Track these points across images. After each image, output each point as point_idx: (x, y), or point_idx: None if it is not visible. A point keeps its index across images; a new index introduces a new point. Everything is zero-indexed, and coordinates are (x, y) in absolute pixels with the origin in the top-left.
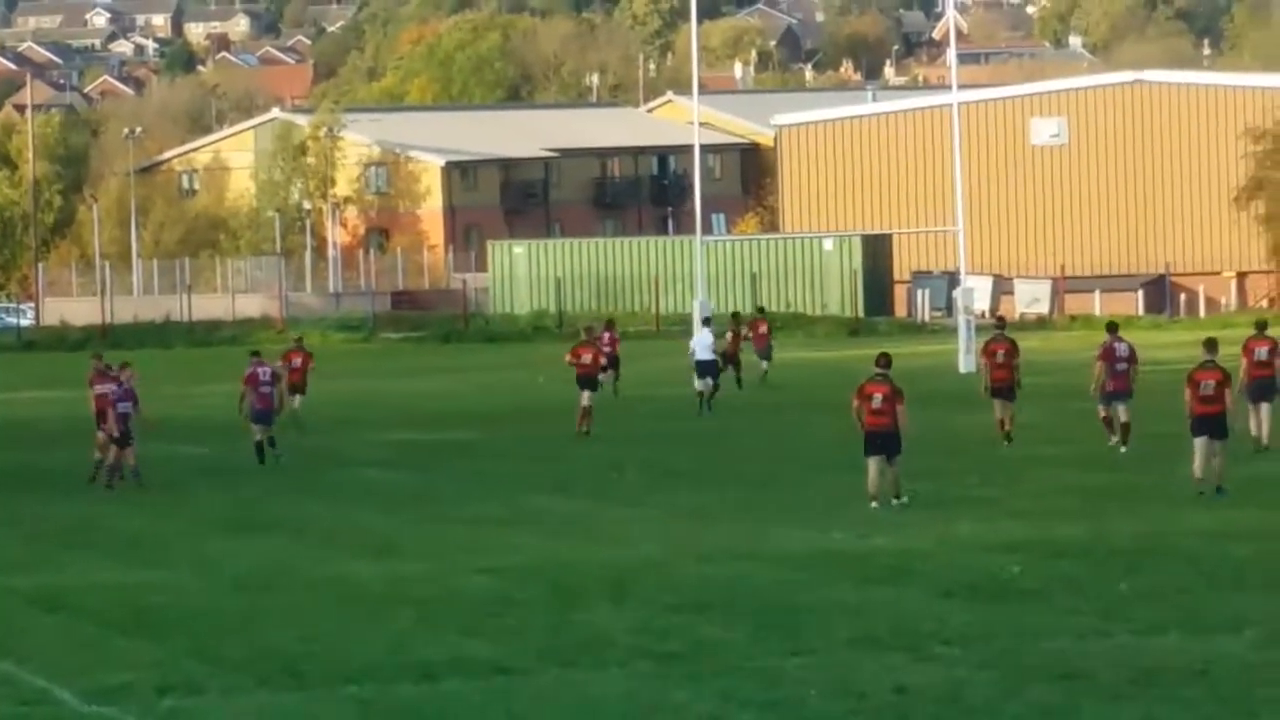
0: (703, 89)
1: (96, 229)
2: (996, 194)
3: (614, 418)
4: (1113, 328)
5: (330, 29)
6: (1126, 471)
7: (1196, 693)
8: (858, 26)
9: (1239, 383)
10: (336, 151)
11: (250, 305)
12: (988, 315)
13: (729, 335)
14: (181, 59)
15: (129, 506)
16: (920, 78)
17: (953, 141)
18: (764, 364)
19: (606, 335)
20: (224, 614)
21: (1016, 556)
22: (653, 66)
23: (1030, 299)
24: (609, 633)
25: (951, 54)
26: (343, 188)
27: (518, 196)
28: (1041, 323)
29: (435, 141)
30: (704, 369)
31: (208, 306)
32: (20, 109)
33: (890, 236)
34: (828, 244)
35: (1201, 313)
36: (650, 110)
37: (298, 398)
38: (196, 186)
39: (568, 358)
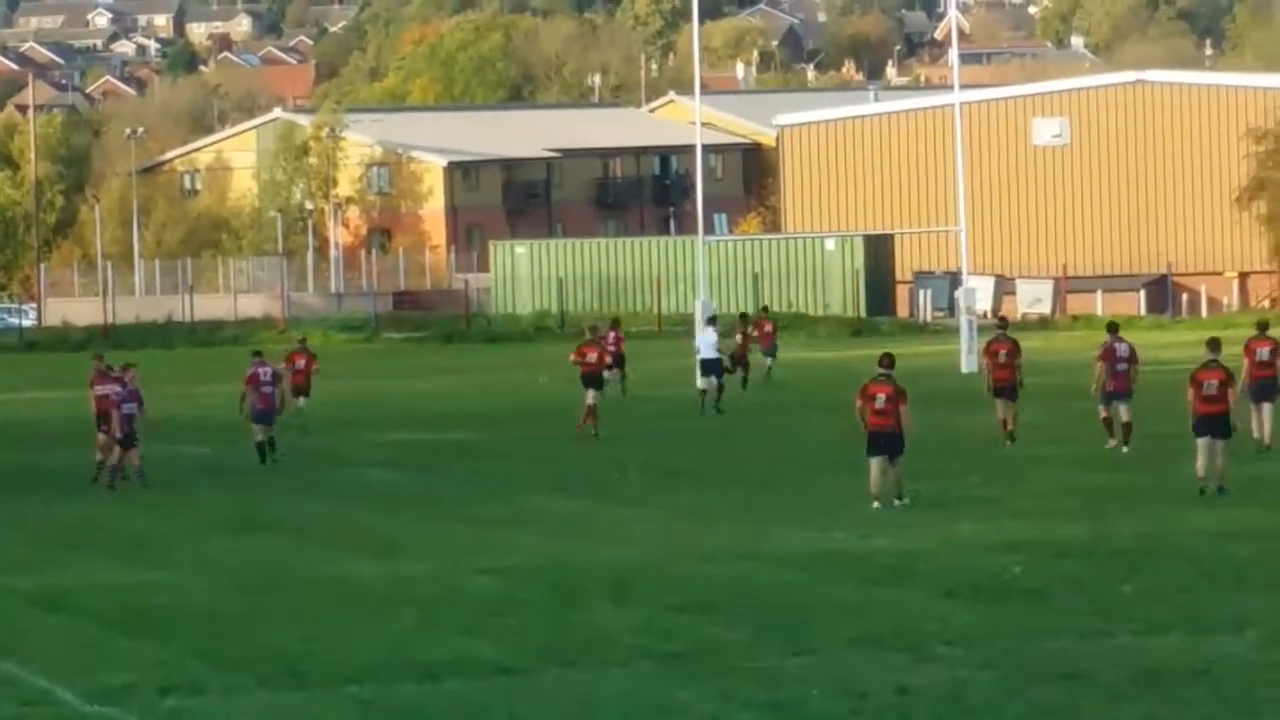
0: (705, 89)
1: (98, 229)
2: (998, 194)
3: (616, 418)
4: (1113, 328)
5: (332, 29)
6: (1128, 471)
7: (1198, 693)
8: (860, 26)
9: (1241, 383)
10: (338, 151)
11: (252, 305)
12: (990, 315)
13: (738, 337)
14: (183, 59)
15: (131, 507)
16: (922, 78)
17: (955, 142)
18: (768, 361)
19: (612, 335)
20: (226, 614)
21: (1018, 557)
22: (654, 67)
23: (1032, 299)
24: (610, 633)
25: (953, 54)
26: (345, 188)
27: (520, 197)
28: (1043, 323)
29: (437, 142)
30: (708, 367)
31: (210, 307)
32: (22, 109)
33: (892, 236)
34: (830, 244)
35: (1203, 313)
36: (652, 110)
37: (301, 400)
38: (198, 187)
39: (572, 357)
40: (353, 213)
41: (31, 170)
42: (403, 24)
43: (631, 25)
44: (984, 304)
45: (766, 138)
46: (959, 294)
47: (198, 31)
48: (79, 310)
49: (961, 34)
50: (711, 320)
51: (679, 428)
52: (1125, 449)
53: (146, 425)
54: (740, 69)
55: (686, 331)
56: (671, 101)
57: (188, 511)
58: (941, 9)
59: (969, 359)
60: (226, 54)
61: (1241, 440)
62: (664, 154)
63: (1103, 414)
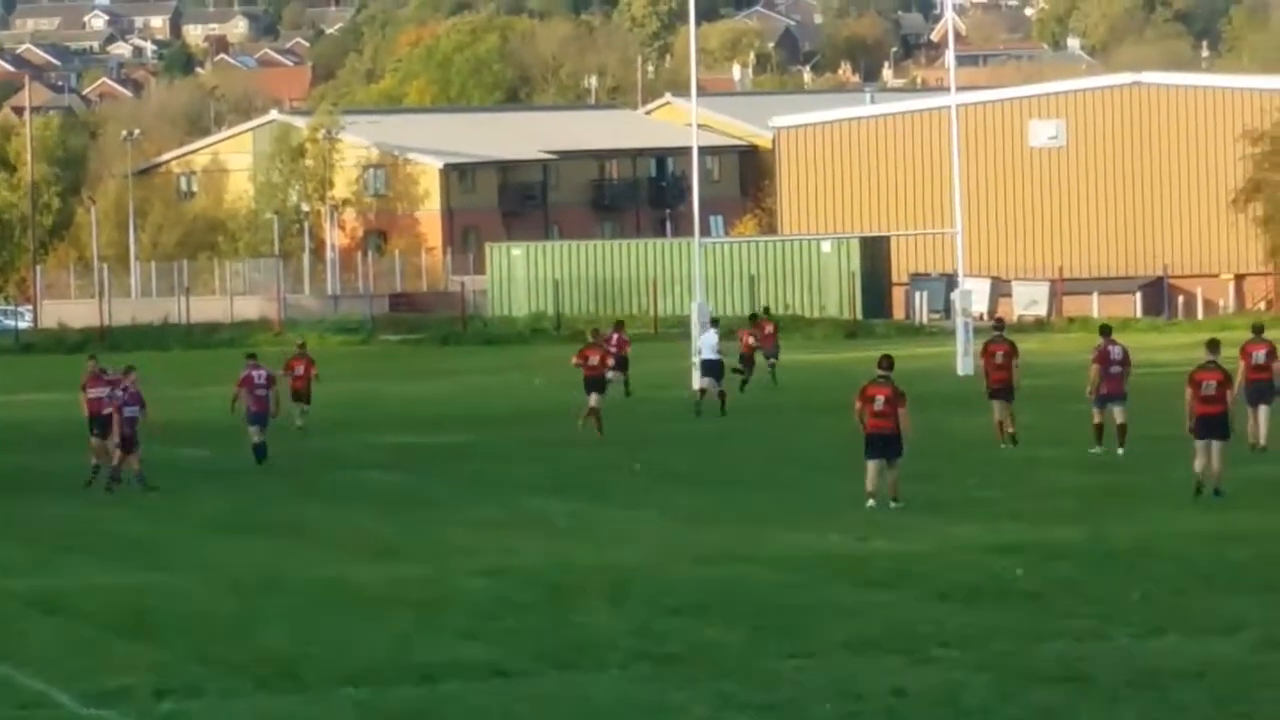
0: (701, 91)
1: (95, 231)
2: (995, 196)
3: (614, 419)
4: (1106, 331)
5: (328, 31)
6: (1124, 473)
7: (1194, 695)
8: (856, 28)
9: (1237, 385)
10: (335, 153)
11: (248, 307)
12: (986, 317)
13: (750, 338)
14: (180, 61)
15: (127, 509)
16: (919, 80)
17: (951, 143)
18: (771, 361)
19: (615, 337)
20: (222, 616)
21: (1015, 558)
22: (651, 68)
23: (1028, 301)
24: (607, 635)
25: (950, 56)
26: (341, 190)
27: (516, 198)
28: (1039, 325)
29: (433, 143)
30: (708, 369)
31: (206, 309)
32: (19, 111)
33: (888, 238)
34: (826, 246)
35: (1199, 315)
36: (648, 112)
37: (300, 407)
38: (195, 188)
39: (574, 360)
40: (349, 215)
41: (28, 172)
42: (399, 26)
43: (628, 27)
44: (980, 306)
45: (763, 140)
46: (955, 296)
47: (194, 33)
48: (75, 312)
49: (958, 36)
50: (713, 322)
51: (676, 429)
52: (1120, 450)
53: (148, 428)
54: (737, 71)
55: (683, 333)
56: (668, 103)
57: (184, 514)
58: (938, 11)
59: (965, 361)
60: (223, 56)
61: (1238, 442)
62: (660, 156)
63: (1096, 419)
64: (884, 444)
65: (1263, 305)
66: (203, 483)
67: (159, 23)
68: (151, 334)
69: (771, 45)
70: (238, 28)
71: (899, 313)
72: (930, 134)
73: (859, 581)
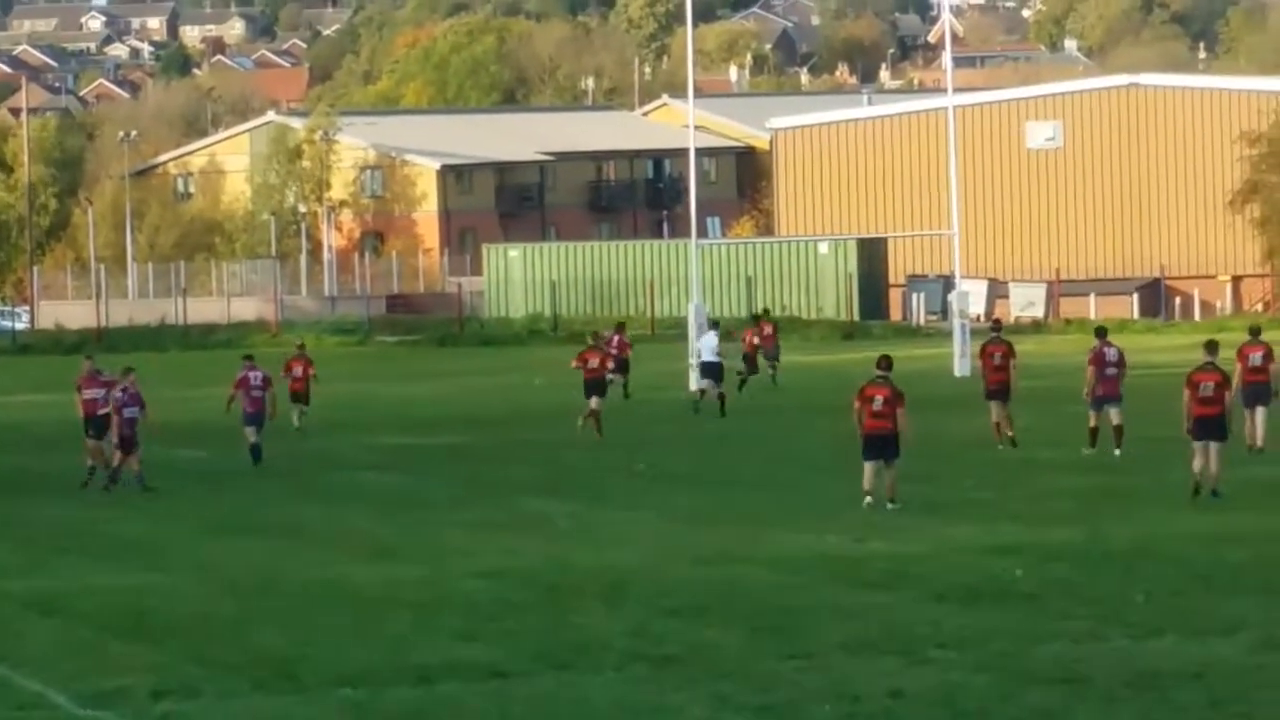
0: (698, 92)
1: (91, 232)
2: (992, 198)
3: (611, 420)
4: (1101, 333)
5: (325, 32)
6: (1122, 475)
7: (1193, 696)
8: (853, 30)
9: (1235, 387)
10: (332, 155)
11: (245, 309)
12: (983, 319)
13: (755, 339)
14: (177, 62)
15: (124, 510)
16: (916, 81)
17: (948, 145)
18: (773, 364)
19: (616, 339)
20: (219, 617)
21: (1012, 560)
22: (648, 70)
23: (1025, 302)
24: (605, 636)
25: (947, 57)
26: (338, 191)
27: (513, 200)
28: (1036, 326)
29: (430, 145)
30: (707, 370)
31: (203, 310)
32: (16, 112)
33: (885, 240)
34: (823, 247)
35: (1196, 316)
36: (645, 114)
37: (299, 408)
38: (192, 190)
39: (574, 363)
40: (346, 216)
41: (25, 173)
42: (396, 27)
43: (625, 28)
44: (977, 307)
45: (760, 141)
46: (952, 297)
47: (191, 35)
48: (72, 313)
49: (955, 37)
50: (714, 324)
51: (674, 431)
52: (1117, 451)
53: (147, 428)
54: (734, 72)
55: (680, 335)
56: (665, 105)
57: (182, 514)
58: (935, 12)
59: (962, 362)
60: (220, 57)
61: (1236, 443)
62: (657, 157)
63: (1092, 421)
64: (882, 444)
65: (1260, 307)
66: (200, 484)
67: (156, 24)
68: (148, 335)
69: (769, 47)
70: (235, 29)
71: (896, 314)
72: (927, 135)
73: (856, 583)
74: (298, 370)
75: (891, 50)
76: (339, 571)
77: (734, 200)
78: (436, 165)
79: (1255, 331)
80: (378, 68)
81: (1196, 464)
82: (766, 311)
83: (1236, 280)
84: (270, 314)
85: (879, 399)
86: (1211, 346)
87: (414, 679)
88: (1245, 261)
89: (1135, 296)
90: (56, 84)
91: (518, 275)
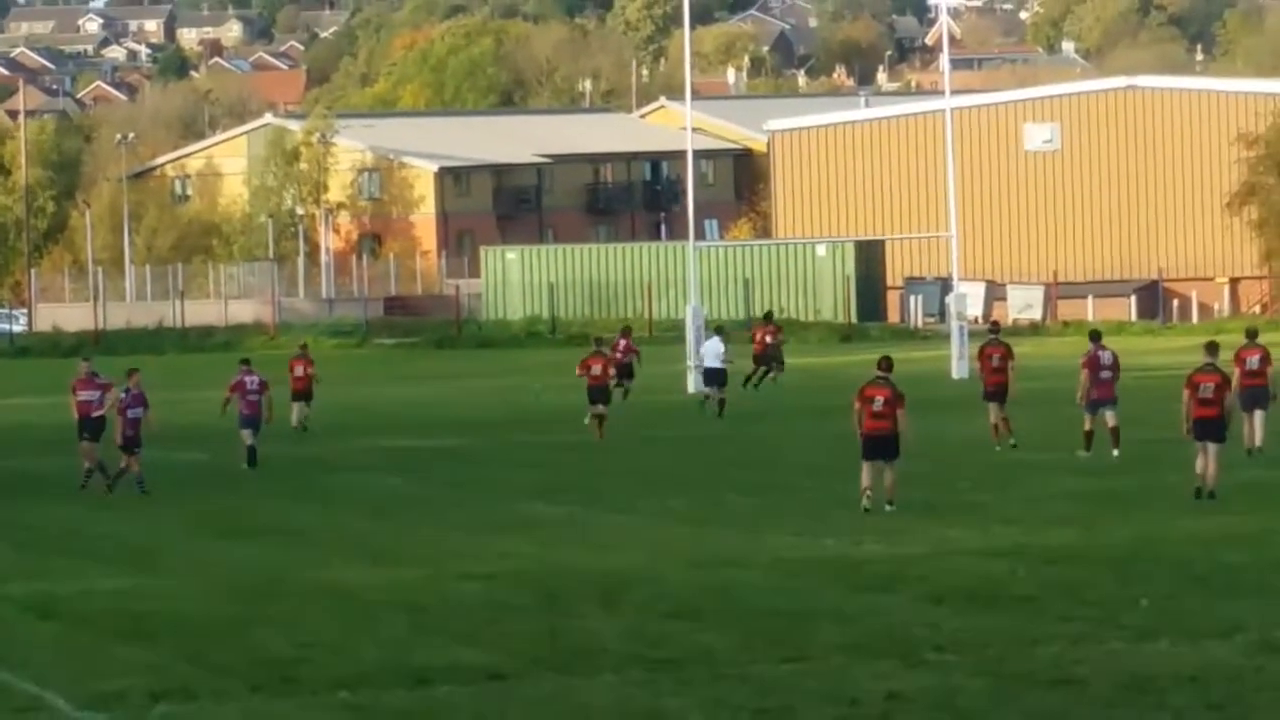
0: (696, 94)
1: (89, 235)
2: (989, 200)
3: (609, 423)
4: (1096, 336)
5: (323, 34)
6: (1119, 477)
7: (1189, 699)
8: (851, 32)
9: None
10: (329, 157)
11: (243, 311)
12: (980, 321)
13: (768, 338)
14: (174, 64)
15: (122, 512)
16: (913, 83)
17: (946, 147)
18: (775, 373)
19: (623, 343)
20: (218, 620)
21: (1009, 562)
22: (646, 72)
23: (1023, 305)
24: (601, 639)
25: (944, 60)
26: (335, 193)
27: (511, 202)
28: (1034, 329)
29: (428, 147)
30: (710, 377)
31: (200, 312)
32: (13, 115)
33: (883, 242)
34: (820, 250)
35: (1194, 318)
36: (643, 116)
37: (298, 405)
38: (189, 192)
39: (578, 370)
40: (343, 218)
41: (22, 176)
42: (393, 29)
43: (622, 30)
44: (975, 310)
45: (757, 143)
46: (950, 299)
47: (189, 37)
48: (70, 316)
49: (952, 39)
50: (718, 330)
51: (670, 433)
52: (1115, 452)
53: (150, 429)
54: (731, 74)
55: (677, 337)
56: (662, 107)
57: (179, 517)
58: (932, 14)
59: (960, 365)
60: (217, 59)
61: (1234, 445)
62: (655, 159)
63: (1087, 425)
64: (881, 445)
65: (1258, 309)
66: (198, 486)
67: (153, 26)
68: (146, 338)
69: (766, 49)
70: (232, 31)
71: (894, 316)
72: (925, 138)
73: (853, 585)
74: (299, 370)
75: (889, 52)
76: (337, 574)
77: (731, 202)
78: (434, 167)
79: (1252, 334)
80: (375, 70)
81: (1199, 465)
82: (770, 315)
83: (1234, 282)
84: (268, 316)
85: (879, 399)
86: (1212, 348)
87: (412, 681)
88: (1243, 263)
89: (1133, 298)
90: (54, 86)
91: (515, 277)
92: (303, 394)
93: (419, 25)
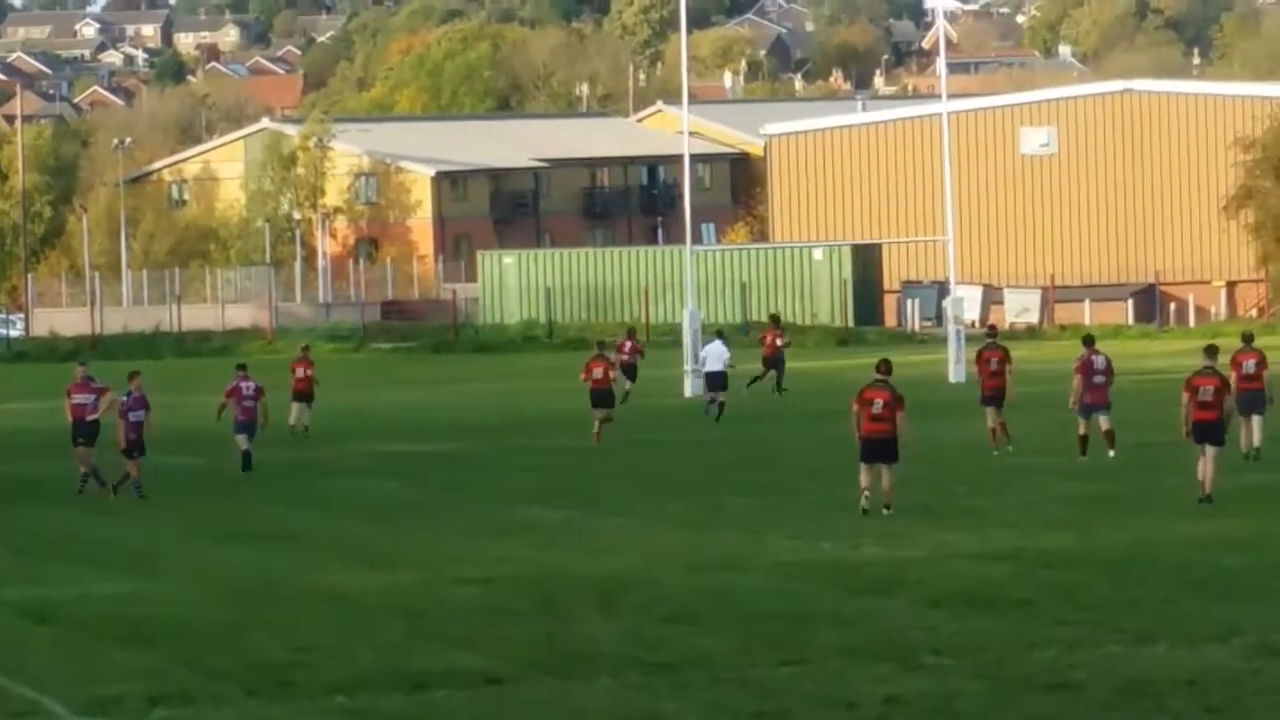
0: (692, 99)
1: (86, 239)
2: (986, 204)
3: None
4: (1089, 341)
5: (320, 39)
6: (1115, 481)
7: (1186, 702)
8: (847, 36)
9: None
10: (326, 162)
11: (240, 315)
12: (977, 325)
13: (779, 340)
14: (171, 69)
15: (119, 517)
16: (910, 87)
17: (942, 151)
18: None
19: (629, 344)
20: (215, 624)
21: (1006, 566)
22: (642, 76)
23: (1020, 309)
24: (599, 643)
25: (941, 63)
26: (332, 198)
27: (507, 206)
28: (1031, 332)
29: (425, 151)
30: (712, 381)
31: (197, 317)
32: (10, 119)
33: (880, 246)
34: (817, 254)
35: (1191, 322)
36: (640, 120)
37: (298, 406)
38: (186, 197)
39: (581, 376)
40: (340, 223)
41: (19, 181)
42: (390, 34)
43: (619, 35)
44: (972, 314)
45: (754, 147)
46: (947, 303)
47: (185, 41)
48: (67, 321)
49: (949, 43)
50: (719, 334)
51: (667, 437)
52: (1111, 453)
53: (150, 432)
54: (728, 79)
55: (674, 341)
56: (659, 111)
57: (177, 522)
58: (929, 18)
59: (957, 369)
60: (214, 64)
61: (1232, 448)
62: (652, 164)
63: (1081, 429)
64: (880, 448)
65: (1254, 312)
66: (195, 491)
67: (150, 31)
68: (143, 342)
69: (763, 53)
70: (229, 36)
71: (891, 320)
72: (922, 141)
73: (851, 589)
74: (300, 371)
75: (886, 56)
76: (333, 578)
77: (728, 206)
78: (431, 172)
79: (1248, 338)
80: (372, 74)
81: (1200, 468)
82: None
83: (1231, 286)
84: (265, 321)
85: (878, 402)
86: (1211, 351)
87: (409, 686)
88: (1240, 267)
89: (1130, 302)
90: (51, 91)
91: (512, 282)
92: (303, 395)
93: (415, 30)
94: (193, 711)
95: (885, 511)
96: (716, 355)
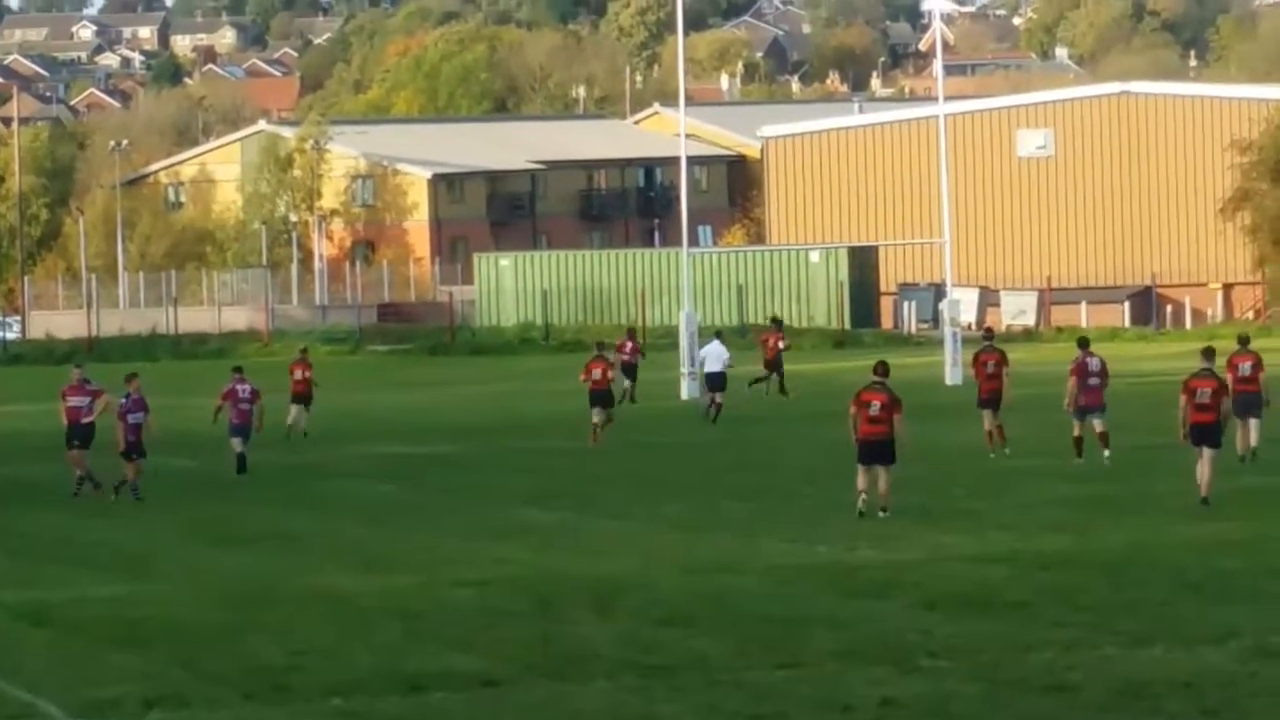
0: (689, 101)
1: (83, 242)
2: (983, 206)
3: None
4: (1084, 343)
5: (316, 41)
6: (1113, 483)
7: (1183, 705)
8: (844, 38)
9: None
10: (323, 164)
11: (236, 318)
12: (974, 327)
13: (780, 343)
14: (168, 71)
15: (115, 520)
16: (907, 89)
17: (939, 153)
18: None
19: (630, 345)
20: (211, 627)
21: (1003, 568)
22: (639, 78)
23: (1016, 311)
24: (595, 645)
25: (938, 65)
26: (329, 200)
27: (504, 208)
28: (1028, 334)
29: (421, 154)
30: (711, 382)
31: (194, 319)
32: (7, 122)
33: (876, 248)
34: (814, 256)
35: (1188, 324)
36: (637, 122)
37: (296, 408)
38: (183, 199)
39: (581, 377)
40: (337, 225)
41: (16, 183)
42: (387, 36)
43: (616, 37)
44: (968, 316)
45: (751, 149)
46: (943, 306)
47: (182, 44)
48: (63, 323)
49: (946, 45)
50: (717, 334)
51: (664, 439)
52: (1107, 453)
53: (148, 434)
54: (725, 81)
55: (671, 343)
56: (656, 113)
57: (173, 524)
58: (926, 20)
59: (953, 371)
60: (211, 66)
61: (1229, 451)
62: (648, 166)
63: (1076, 431)
64: (878, 450)
65: (1251, 314)
66: (191, 493)
67: (147, 33)
68: (140, 344)
69: (760, 55)
70: (226, 38)
71: (887, 322)
72: (918, 144)
73: (848, 591)
74: (298, 373)
75: (882, 58)
76: (330, 580)
77: (725, 209)
78: (427, 174)
79: (1244, 341)
80: (369, 77)
81: (1199, 470)
82: (777, 321)
83: (1228, 288)
84: (261, 323)
85: (876, 404)
86: (1209, 353)
87: (405, 688)
88: (1236, 269)
89: (1126, 304)
90: (47, 93)
91: (509, 284)
92: (302, 397)
93: (412, 32)
94: (188, 714)
95: (882, 514)
96: (715, 355)
